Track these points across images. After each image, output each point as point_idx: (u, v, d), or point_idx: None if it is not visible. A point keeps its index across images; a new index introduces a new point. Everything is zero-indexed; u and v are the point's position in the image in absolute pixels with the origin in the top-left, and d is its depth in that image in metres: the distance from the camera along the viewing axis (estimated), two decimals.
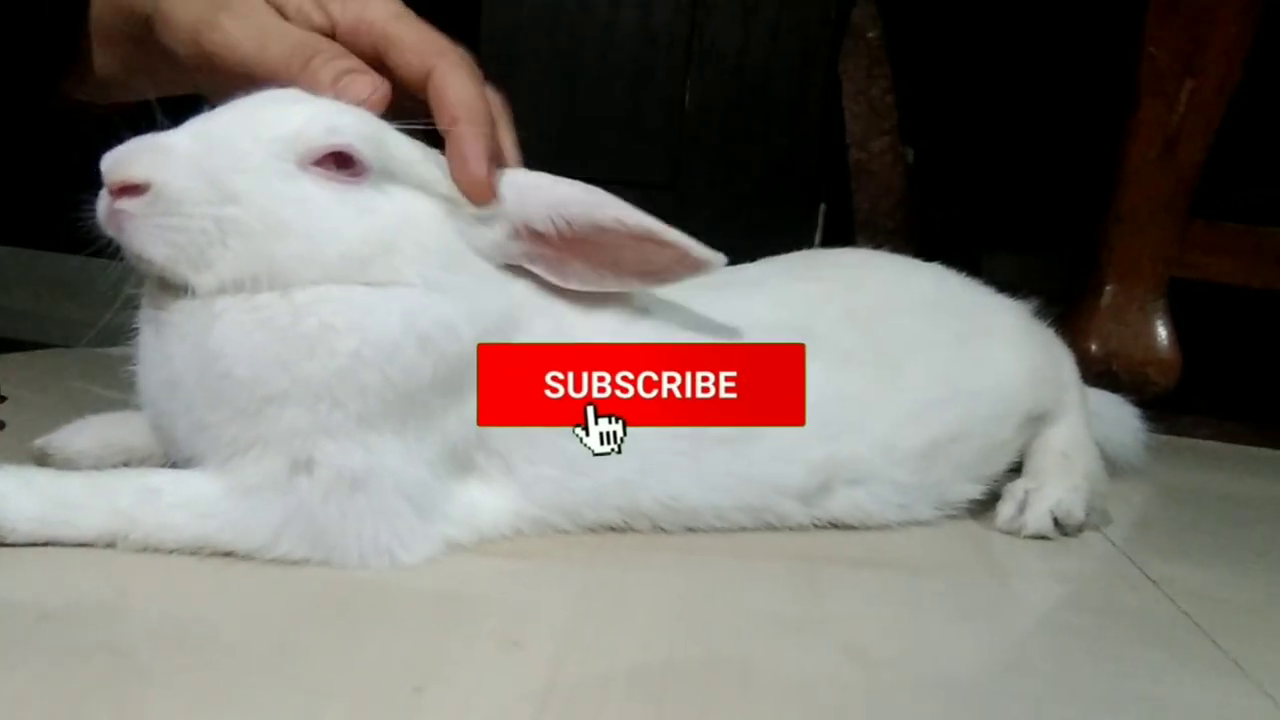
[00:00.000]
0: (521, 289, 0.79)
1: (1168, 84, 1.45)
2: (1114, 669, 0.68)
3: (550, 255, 0.78)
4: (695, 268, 0.78)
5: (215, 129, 0.71)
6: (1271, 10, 1.42)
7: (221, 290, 0.70)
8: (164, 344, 0.72)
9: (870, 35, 1.96)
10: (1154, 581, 0.86)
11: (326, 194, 0.71)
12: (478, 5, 1.86)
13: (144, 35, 0.85)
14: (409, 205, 0.74)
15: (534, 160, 0.84)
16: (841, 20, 1.94)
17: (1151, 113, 1.47)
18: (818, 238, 2.02)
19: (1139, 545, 0.96)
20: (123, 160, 0.68)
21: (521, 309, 0.78)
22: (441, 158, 0.77)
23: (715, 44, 1.88)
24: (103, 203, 0.69)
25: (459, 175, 0.76)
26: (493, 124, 0.78)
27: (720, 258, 0.78)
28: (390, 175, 0.74)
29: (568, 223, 0.76)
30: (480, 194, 0.76)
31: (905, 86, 1.96)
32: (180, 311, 0.71)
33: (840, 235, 2.00)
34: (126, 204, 0.68)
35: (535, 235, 0.77)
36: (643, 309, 0.84)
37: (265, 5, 0.79)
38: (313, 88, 0.75)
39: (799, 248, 1.07)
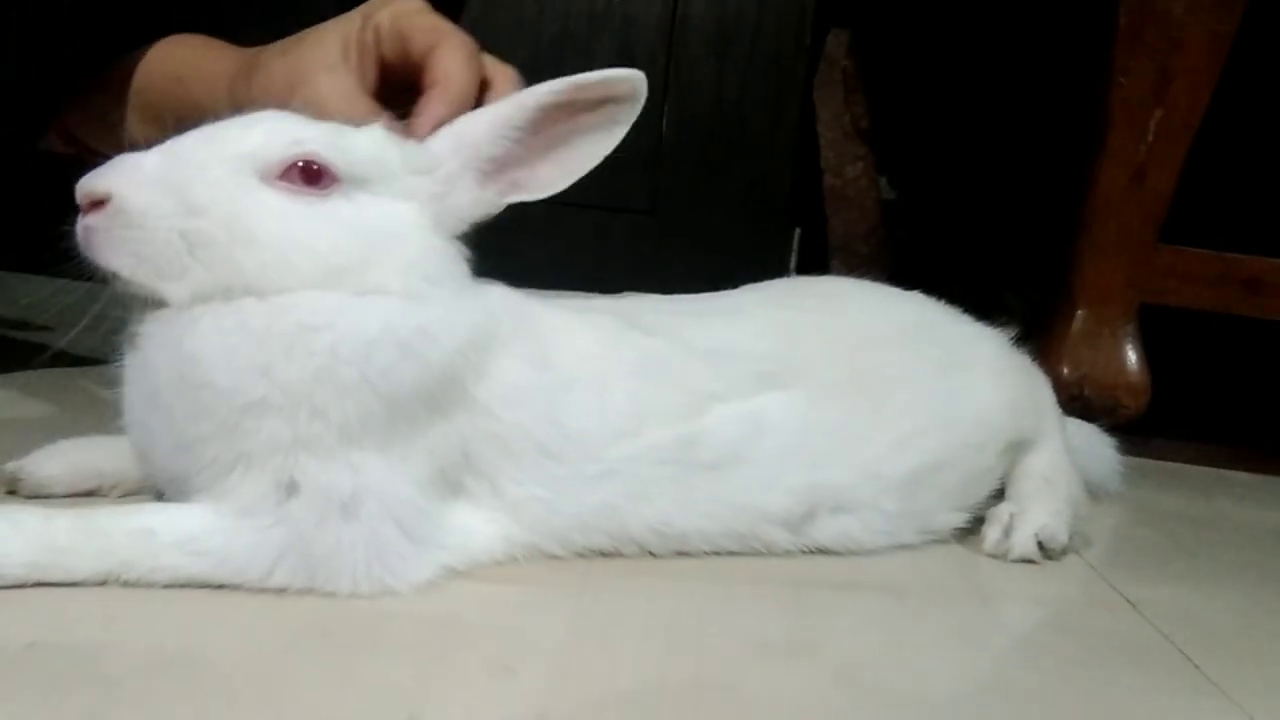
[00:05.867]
0: (500, 303, 0.79)
1: (1137, 113, 1.48)
2: (1096, 690, 0.69)
3: (521, 174, 0.80)
4: (625, 93, 0.79)
5: (183, 147, 0.73)
6: (1239, 40, 1.45)
7: (196, 300, 0.71)
8: (145, 356, 0.72)
9: (844, 63, 1.98)
10: (1132, 603, 0.87)
11: (292, 205, 0.72)
12: None
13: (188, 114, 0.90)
14: (384, 215, 0.75)
15: None
16: (816, 48, 1.96)
17: (1121, 141, 1.49)
18: (793, 262, 2.04)
19: (1116, 568, 0.97)
20: (91, 178, 0.71)
21: (500, 324, 0.78)
22: (424, 149, 0.79)
23: (692, 71, 1.90)
24: (78, 223, 0.71)
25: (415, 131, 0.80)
26: (468, 96, 0.83)
27: (634, 73, 0.79)
28: (362, 182, 0.75)
29: (516, 128, 0.79)
30: None
31: (880, 119, 1.98)
32: (159, 321, 0.72)
33: (815, 259, 2.02)
34: (91, 219, 0.70)
35: (497, 164, 0.79)
36: (627, 335, 0.84)
37: (340, 54, 0.86)
38: None
39: (775, 272, 1.08)
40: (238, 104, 0.92)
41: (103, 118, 1.03)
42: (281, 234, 0.72)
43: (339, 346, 0.69)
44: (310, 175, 0.73)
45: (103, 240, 0.70)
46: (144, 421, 0.74)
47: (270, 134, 0.74)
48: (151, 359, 0.72)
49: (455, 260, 0.78)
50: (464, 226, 0.80)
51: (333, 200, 0.74)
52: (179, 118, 0.95)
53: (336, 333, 0.70)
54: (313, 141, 0.73)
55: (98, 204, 0.70)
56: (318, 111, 0.82)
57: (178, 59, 1.01)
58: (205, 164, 0.72)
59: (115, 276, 0.71)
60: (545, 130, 0.79)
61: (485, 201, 0.80)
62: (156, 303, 0.72)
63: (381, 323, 0.71)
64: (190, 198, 0.71)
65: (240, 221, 0.71)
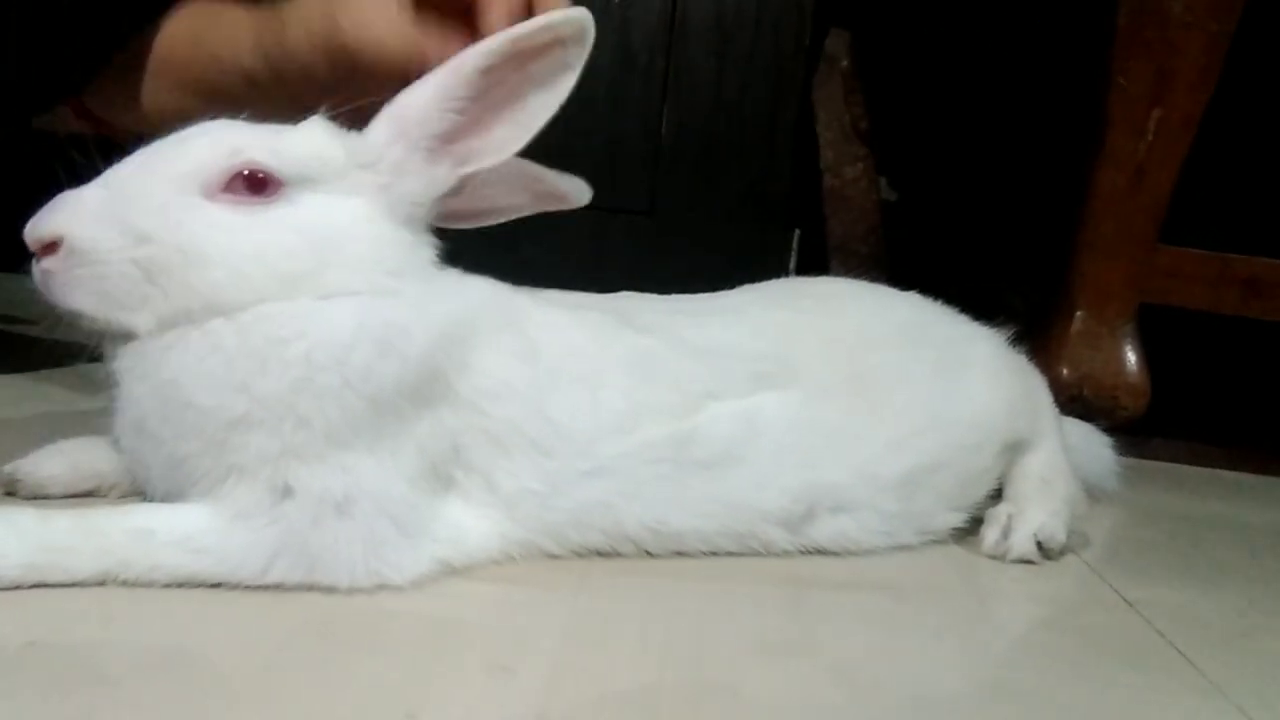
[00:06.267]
0: (483, 296, 0.79)
1: (1136, 114, 1.48)
2: (1093, 690, 0.69)
3: (474, 142, 0.77)
4: (572, 34, 0.75)
5: (121, 174, 0.73)
6: (1237, 41, 1.45)
7: (162, 327, 0.71)
8: (126, 390, 0.73)
9: (844, 64, 1.98)
10: (1129, 603, 0.87)
11: (238, 217, 0.72)
12: None
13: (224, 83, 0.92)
14: (333, 213, 0.74)
15: None
16: (816, 48, 1.96)
17: (1121, 142, 1.49)
18: (792, 263, 2.04)
19: (1113, 568, 0.97)
20: (37, 222, 0.71)
21: (481, 316, 0.77)
22: (365, 139, 0.77)
23: (691, 71, 1.89)
24: (35, 268, 0.71)
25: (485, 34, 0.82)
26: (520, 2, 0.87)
27: (580, 11, 0.76)
28: (307, 183, 0.74)
29: (459, 98, 0.75)
30: None
31: (880, 119, 1.98)
32: (132, 354, 0.72)
33: (814, 260, 2.01)
34: (47, 263, 0.70)
35: (445, 138, 0.76)
36: (620, 332, 0.84)
37: None
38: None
39: (774, 273, 1.08)
40: (265, 47, 0.92)
41: (120, 90, 1.03)
42: (230, 248, 0.71)
43: (314, 354, 0.69)
44: (254, 184, 0.72)
45: (61, 282, 0.70)
46: (135, 449, 0.74)
47: (207, 148, 0.73)
48: (132, 391, 0.72)
49: (419, 250, 0.78)
50: (423, 210, 0.78)
51: (278, 206, 0.73)
52: (201, 78, 0.96)
53: (310, 340, 0.70)
54: (250, 149, 0.72)
55: (50, 247, 0.70)
56: (363, 35, 0.83)
57: (193, 20, 1.00)
58: (146, 190, 0.72)
59: (79, 316, 0.71)
60: (493, 92, 0.76)
61: (440, 179, 0.77)
62: (126, 337, 0.72)
63: (354, 324, 0.71)
64: (137, 226, 0.70)
65: (190, 242, 0.71)
